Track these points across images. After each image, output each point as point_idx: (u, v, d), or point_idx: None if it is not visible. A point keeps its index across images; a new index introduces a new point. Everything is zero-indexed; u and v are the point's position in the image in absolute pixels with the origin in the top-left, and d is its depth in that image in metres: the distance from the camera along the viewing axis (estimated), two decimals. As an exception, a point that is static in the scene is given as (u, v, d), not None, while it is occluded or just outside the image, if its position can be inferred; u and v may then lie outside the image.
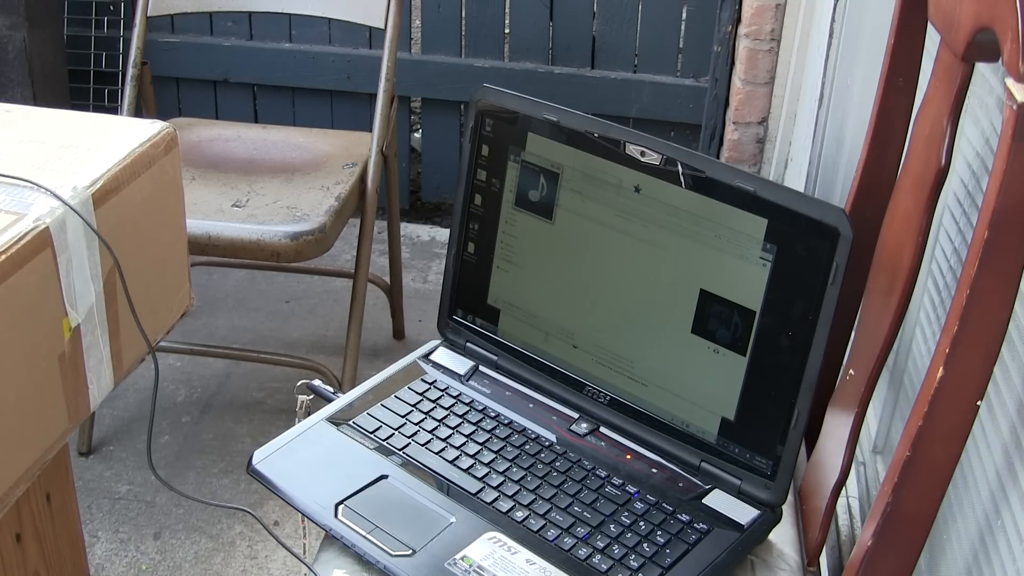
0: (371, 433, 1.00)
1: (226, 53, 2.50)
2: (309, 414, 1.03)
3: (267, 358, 1.91)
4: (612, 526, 0.90)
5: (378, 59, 1.82)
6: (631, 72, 2.40)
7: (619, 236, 0.98)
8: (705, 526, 0.91)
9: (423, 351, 1.12)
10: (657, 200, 0.95)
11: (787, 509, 0.94)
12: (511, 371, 1.08)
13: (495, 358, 1.09)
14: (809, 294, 0.87)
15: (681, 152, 0.93)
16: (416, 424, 1.02)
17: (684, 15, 2.35)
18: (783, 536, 0.94)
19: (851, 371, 0.92)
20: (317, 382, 1.07)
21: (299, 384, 1.07)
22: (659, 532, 0.90)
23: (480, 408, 1.04)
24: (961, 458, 0.74)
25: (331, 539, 0.92)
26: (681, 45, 2.38)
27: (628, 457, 0.98)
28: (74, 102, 2.48)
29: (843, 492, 1.12)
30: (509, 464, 0.97)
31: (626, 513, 0.92)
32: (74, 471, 1.14)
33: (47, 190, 0.87)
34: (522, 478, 0.95)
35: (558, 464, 0.97)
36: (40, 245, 0.83)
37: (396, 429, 1.01)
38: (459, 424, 1.02)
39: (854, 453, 0.91)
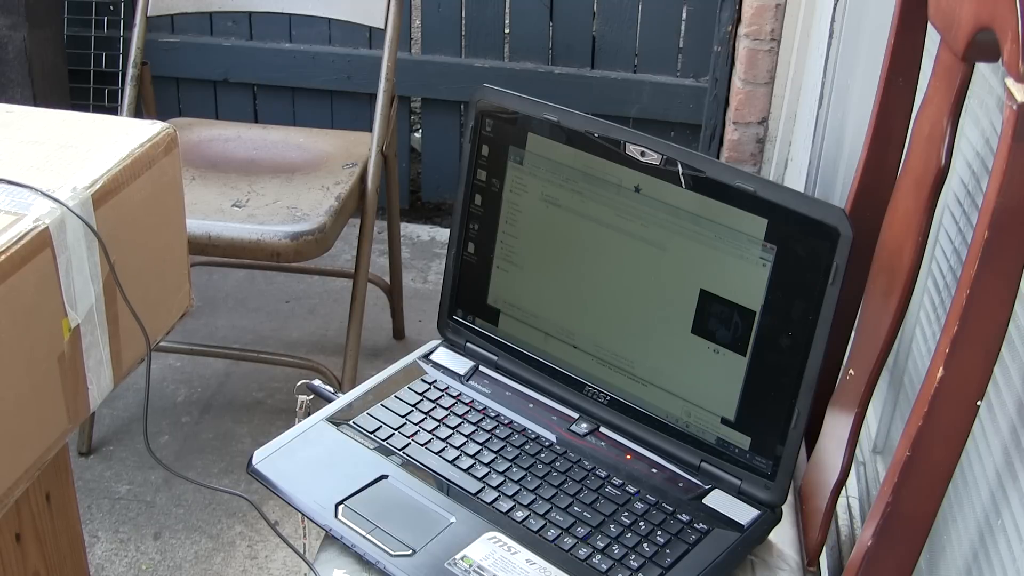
0: (371, 433, 1.00)
1: (226, 53, 2.50)
2: (309, 414, 1.03)
3: (267, 358, 1.91)
4: (612, 526, 0.90)
5: (378, 59, 1.82)
6: (631, 72, 2.40)
7: (619, 236, 0.98)
8: (705, 526, 0.91)
9: (423, 351, 1.12)
10: (657, 200, 0.95)
11: (787, 509, 0.94)
12: (511, 371, 1.08)
13: (495, 358, 1.09)
14: (809, 294, 0.87)
15: (681, 152, 0.93)
16: (416, 424, 1.02)
17: (684, 15, 2.35)
18: (783, 536, 0.94)
19: (851, 371, 0.92)
20: (317, 382, 1.07)
21: (299, 384, 1.07)
22: (659, 532, 0.90)
23: (480, 408, 1.04)
24: (961, 458, 0.74)
25: (331, 539, 0.92)
26: (681, 45, 2.38)
27: (628, 457, 0.98)
28: (74, 102, 2.48)
29: (843, 492, 1.12)
30: (509, 464, 0.97)
31: (626, 513, 0.92)
32: (74, 471, 1.14)
33: (41, 192, 0.87)
34: (522, 478, 0.95)
35: (558, 464, 0.97)
36: (40, 245, 0.83)
37: (396, 429, 1.01)
38: (459, 424, 1.02)
39: (854, 453, 0.91)
